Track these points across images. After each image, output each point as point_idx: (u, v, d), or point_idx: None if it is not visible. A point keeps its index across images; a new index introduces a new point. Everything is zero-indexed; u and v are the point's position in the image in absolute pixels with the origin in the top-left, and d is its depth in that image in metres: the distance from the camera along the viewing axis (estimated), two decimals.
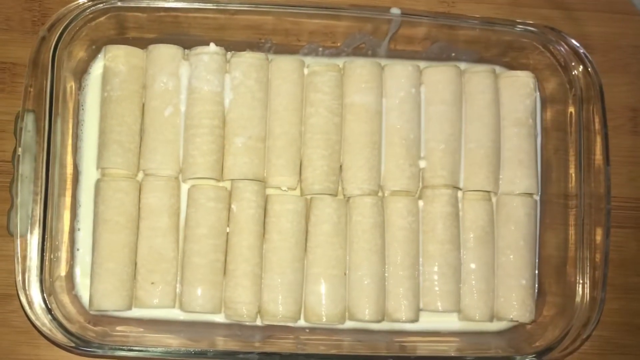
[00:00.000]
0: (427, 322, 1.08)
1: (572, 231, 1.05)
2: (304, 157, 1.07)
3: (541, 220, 1.11)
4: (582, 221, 1.03)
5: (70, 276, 1.04)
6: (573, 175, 1.05)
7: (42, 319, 0.94)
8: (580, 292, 1.02)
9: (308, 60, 1.11)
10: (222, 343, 1.02)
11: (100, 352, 0.95)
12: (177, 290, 1.04)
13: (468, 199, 1.10)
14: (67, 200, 1.04)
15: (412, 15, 1.05)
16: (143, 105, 1.06)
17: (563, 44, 1.06)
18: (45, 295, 0.94)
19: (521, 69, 1.13)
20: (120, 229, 1.02)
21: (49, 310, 0.94)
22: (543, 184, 1.12)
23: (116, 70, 1.05)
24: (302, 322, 1.05)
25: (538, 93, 1.13)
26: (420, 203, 1.09)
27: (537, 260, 1.11)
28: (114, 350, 0.95)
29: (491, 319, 1.08)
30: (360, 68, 1.09)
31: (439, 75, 1.10)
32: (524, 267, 1.08)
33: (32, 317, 0.94)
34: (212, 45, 1.07)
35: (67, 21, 0.98)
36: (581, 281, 1.02)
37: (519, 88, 1.11)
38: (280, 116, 1.07)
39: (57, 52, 0.97)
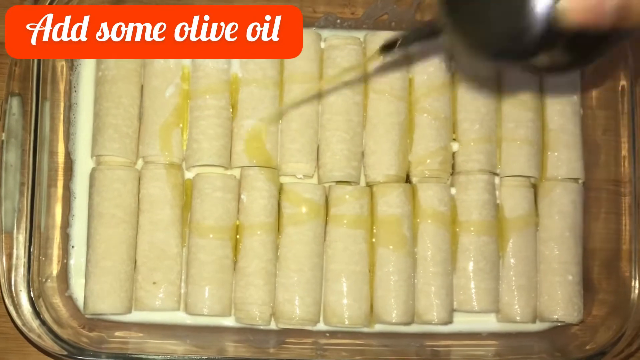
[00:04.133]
0: (461, 323, 1.02)
1: (625, 220, 0.99)
2: (322, 140, 1.02)
3: (586, 209, 1.05)
4: (637, 209, 0.97)
5: (63, 276, 0.99)
6: (626, 158, 1.00)
7: (30, 324, 0.90)
8: (637, 288, 0.96)
9: (325, 33, 1.05)
10: (233, 349, 0.98)
11: None
12: (182, 290, 0.99)
13: (506, 185, 1.03)
14: (59, 191, 1.00)
15: None
16: (142, 86, 1.02)
17: None
18: (33, 297, 0.91)
19: None
20: (117, 222, 0.97)
21: (38, 314, 0.91)
22: (588, 168, 1.05)
23: None
24: (321, 325, 1.00)
25: None
26: (453, 190, 1.02)
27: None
28: (111, 358, 0.91)
29: (534, 319, 1.02)
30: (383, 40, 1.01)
31: None
32: (570, 261, 1.02)
33: (19, 322, 0.90)
34: None
35: None
36: (637, 276, 0.96)
37: None
38: (294, 96, 1.01)
39: None
